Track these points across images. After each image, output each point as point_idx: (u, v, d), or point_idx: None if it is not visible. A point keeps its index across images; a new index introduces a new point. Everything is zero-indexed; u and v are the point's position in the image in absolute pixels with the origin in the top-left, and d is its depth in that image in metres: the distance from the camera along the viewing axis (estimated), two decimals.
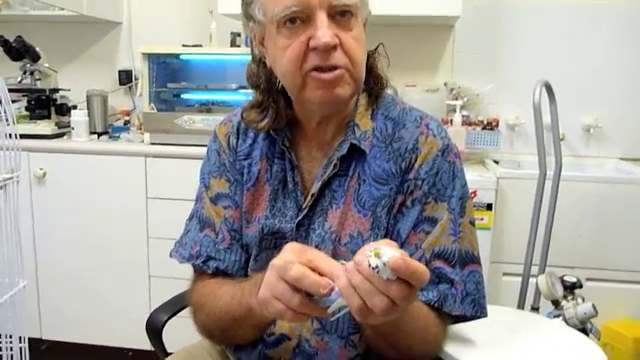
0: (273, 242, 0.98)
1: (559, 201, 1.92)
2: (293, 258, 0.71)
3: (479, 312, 0.94)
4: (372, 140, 0.96)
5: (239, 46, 2.42)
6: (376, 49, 0.97)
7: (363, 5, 0.90)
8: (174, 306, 1.27)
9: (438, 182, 0.93)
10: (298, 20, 0.84)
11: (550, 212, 1.90)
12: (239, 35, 2.42)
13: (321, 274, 0.69)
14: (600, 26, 2.50)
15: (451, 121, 2.43)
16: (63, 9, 2.49)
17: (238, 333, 0.95)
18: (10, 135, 1.23)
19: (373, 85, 0.98)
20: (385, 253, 0.63)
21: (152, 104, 2.37)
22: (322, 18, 0.83)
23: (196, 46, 2.41)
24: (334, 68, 0.85)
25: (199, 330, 1.01)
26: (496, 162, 2.46)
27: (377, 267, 0.63)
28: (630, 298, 2.14)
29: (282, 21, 0.85)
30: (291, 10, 0.83)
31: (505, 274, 2.17)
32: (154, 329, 1.22)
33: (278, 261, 0.72)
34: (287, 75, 0.89)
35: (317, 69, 0.85)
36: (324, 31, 0.83)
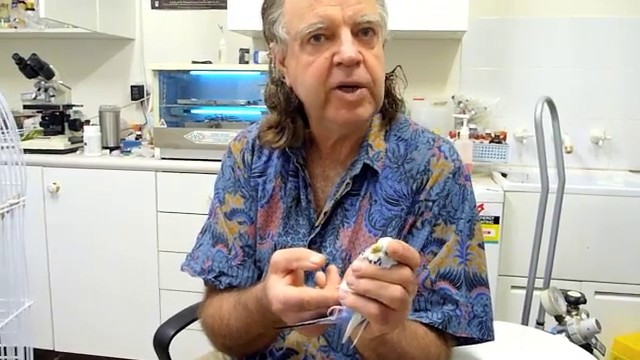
0: None
1: (567, 214, 1.91)
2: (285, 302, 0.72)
3: (486, 335, 0.93)
4: (385, 161, 0.96)
5: (247, 62, 2.45)
6: (393, 71, 0.99)
7: (384, 25, 0.91)
8: (181, 320, 1.28)
9: (448, 204, 0.93)
10: (322, 37, 0.86)
11: (554, 226, 1.89)
12: (247, 51, 2.46)
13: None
14: (608, 39, 2.49)
15: (458, 134, 2.43)
16: (77, 27, 2.54)
17: (264, 340, 0.96)
18: (14, 147, 1.24)
19: (388, 106, 0.99)
20: (382, 243, 0.63)
21: (162, 119, 2.40)
22: (346, 34, 0.85)
23: (206, 62, 2.44)
24: (357, 87, 0.87)
25: (216, 347, 1.02)
26: (504, 175, 2.45)
27: (379, 259, 0.63)
28: None
29: (307, 38, 0.86)
30: (316, 27, 0.85)
31: (513, 287, 2.15)
32: (161, 343, 1.22)
33: (278, 305, 0.73)
34: (310, 91, 0.89)
35: (341, 87, 0.87)
36: (349, 46, 0.84)
